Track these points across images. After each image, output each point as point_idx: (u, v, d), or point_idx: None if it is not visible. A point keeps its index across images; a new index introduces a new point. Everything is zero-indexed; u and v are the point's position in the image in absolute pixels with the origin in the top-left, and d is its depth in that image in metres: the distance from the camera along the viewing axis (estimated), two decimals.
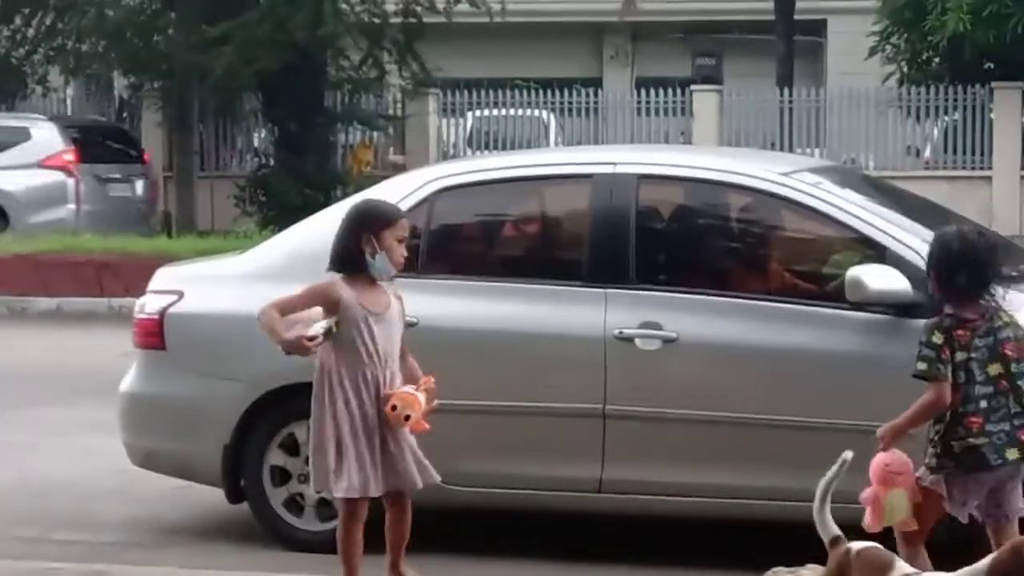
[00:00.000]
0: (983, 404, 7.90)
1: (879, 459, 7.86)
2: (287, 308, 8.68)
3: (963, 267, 8.01)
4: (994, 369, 7.89)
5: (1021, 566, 5.88)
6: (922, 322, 9.26)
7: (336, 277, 8.70)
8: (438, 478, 8.83)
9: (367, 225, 8.67)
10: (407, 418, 8.55)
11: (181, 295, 10.78)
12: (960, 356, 7.89)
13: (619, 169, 10.34)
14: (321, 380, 8.63)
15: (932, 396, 7.82)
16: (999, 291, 8.00)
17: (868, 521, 7.76)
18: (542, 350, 9.35)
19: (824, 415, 9.48)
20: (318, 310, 8.66)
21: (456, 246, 10.78)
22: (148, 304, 10.84)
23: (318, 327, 8.54)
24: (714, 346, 9.67)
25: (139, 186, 30.92)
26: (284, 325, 8.58)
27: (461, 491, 10.16)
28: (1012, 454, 7.87)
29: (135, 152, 31.76)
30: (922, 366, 7.91)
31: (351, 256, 8.67)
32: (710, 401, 9.63)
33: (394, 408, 8.51)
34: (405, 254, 8.72)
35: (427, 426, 8.66)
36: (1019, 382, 7.85)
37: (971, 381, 7.90)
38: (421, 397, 8.62)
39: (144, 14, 32.57)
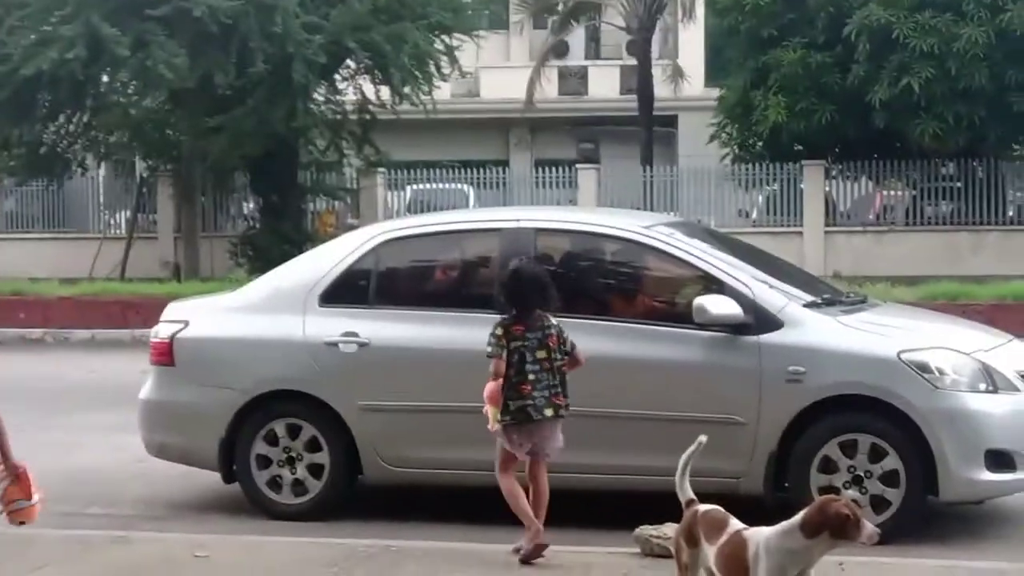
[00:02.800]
0: (531, 377, 8.56)
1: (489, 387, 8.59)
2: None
3: (522, 287, 8.67)
4: (541, 354, 8.58)
5: (826, 519, 5.87)
6: (751, 338, 9.38)
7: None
8: None
9: None
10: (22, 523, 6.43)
11: (187, 323, 10.71)
12: (515, 344, 8.55)
13: (521, 224, 10.32)
14: None
15: (494, 367, 8.56)
16: (551, 304, 8.72)
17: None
18: (465, 362, 9.28)
19: (679, 409, 9.49)
20: None
21: (397, 284, 10.72)
22: (161, 331, 10.77)
23: None
24: (596, 357, 9.62)
25: None
26: None
27: (407, 472, 10.12)
28: (548, 412, 8.56)
29: None
30: (488, 349, 8.60)
31: None
32: (597, 400, 9.58)
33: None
34: None
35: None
36: (554, 362, 8.58)
37: (523, 361, 8.55)
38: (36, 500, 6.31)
39: (159, 112, 32.51)
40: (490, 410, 8.58)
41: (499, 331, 8.63)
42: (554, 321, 8.72)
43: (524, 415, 8.58)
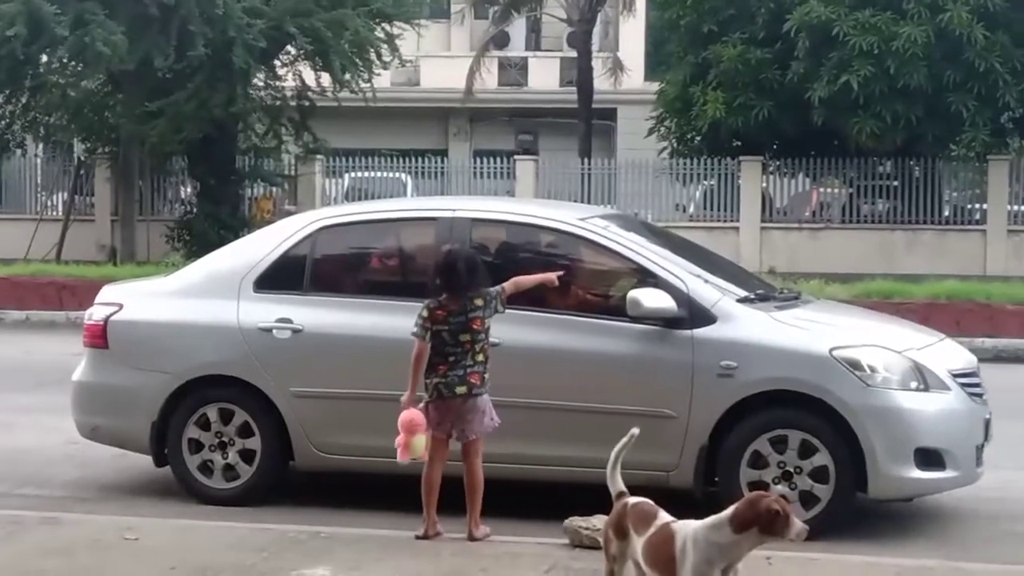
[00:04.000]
0: (451, 359, 8.70)
1: (404, 416, 8.74)
2: None
3: (450, 271, 8.74)
4: (464, 336, 8.71)
5: (755, 515, 5.90)
6: (685, 332, 9.41)
7: None
8: None
9: None
10: None
11: (121, 306, 10.67)
12: (438, 327, 8.69)
13: (457, 214, 10.30)
14: None
15: (416, 349, 8.73)
16: (485, 290, 8.80)
17: (400, 457, 8.79)
18: (398, 351, 9.25)
19: (611, 402, 9.50)
20: None
21: (333, 271, 10.67)
22: (95, 313, 10.72)
23: None
24: (531, 349, 9.65)
25: None
26: None
27: (339, 459, 10.11)
28: (461, 390, 8.69)
29: None
30: (414, 329, 8.76)
31: None
32: (530, 391, 9.61)
33: None
34: None
35: None
36: (476, 344, 8.71)
37: (444, 343, 8.70)
38: None
39: (98, 94, 32.39)
40: (403, 438, 8.74)
41: (424, 313, 8.76)
42: (479, 303, 8.76)
43: (436, 393, 8.73)
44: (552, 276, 9.25)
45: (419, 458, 8.79)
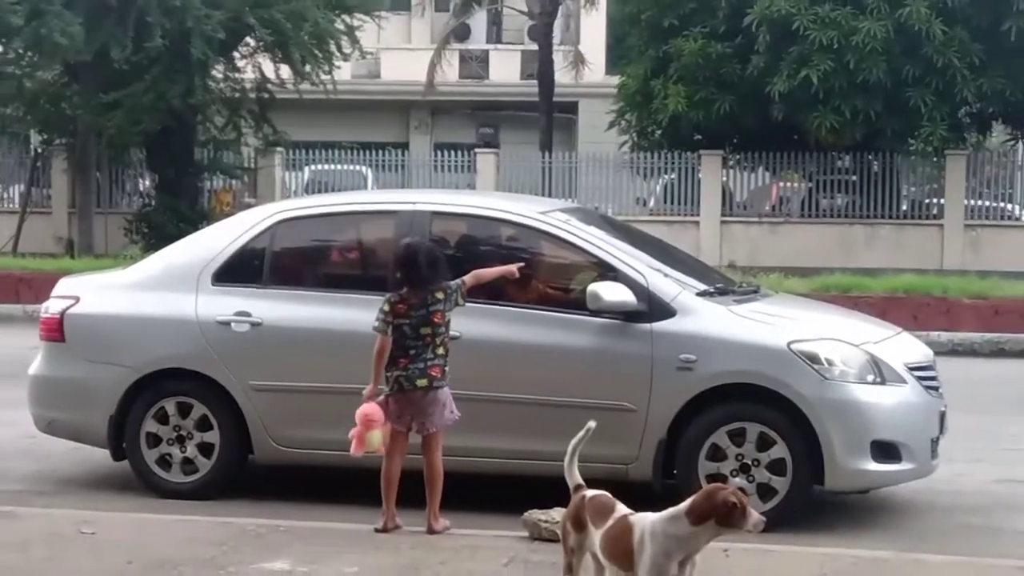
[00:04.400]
0: (412, 352, 8.72)
1: (362, 410, 8.76)
2: None
3: (411, 265, 8.76)
4: (425, 330, 8.73)
5: (713, 507, 5.93)
6: (644, 326, 9.44)
7: None
8: None
9: None
10: None
11: (78, 299, 10.63)
12: (399, 321, 8.71)
13: (417, 207, 10.31)
14: None
15: (378, 344, 8.74)
16: (446, 283, 8.84)
17: (353, 451, 8.78)
18: (357, 344, 9.26)
19: (570, 395, 9.53)
20: None
21: (292, 264, 10.66)
22: (51, 306, 10.69)
23: None
24: (491, 342, 9.68)
25: None
26: None
27: (298, 452, 10.11)
28: (422, 383, 8.71)
29: None
30: (375, 324, 8.76)
31: None
32: (490, 385, 9.64)
33: None
34: None
35: None
36: (437, 337, 8.73)
37: (405, 337, 8.71)
38: None
39: (55, 85, 32.26)
40: (359, 431, 8.77)
41: (386, 307, 8.77)
42: (440, 296, 8.78)
43: (397, 386, 8.75)
44: (513, 268, 9.28)
45: (374, 452, 8.80)
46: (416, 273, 8.74)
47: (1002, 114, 32.34)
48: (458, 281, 8.93)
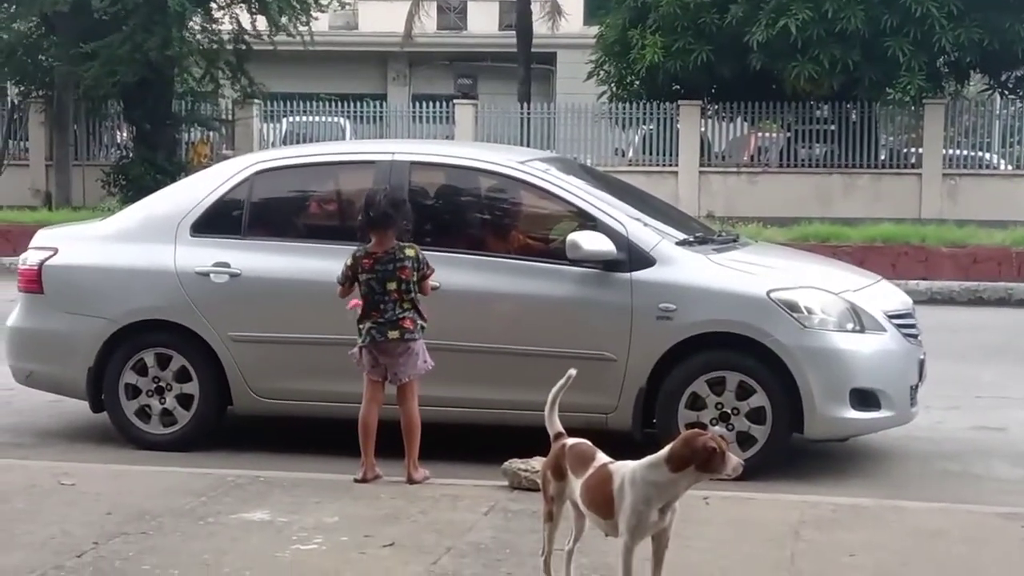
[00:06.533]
0: (381, 306, 8.75)
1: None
2: None
3: (378, 212, 8.76)
4: (391, 285, 8.74)
5: (692, 452, 5.90)
6: (624, 275, 9.42)
7: None
8: None
9: None
10: None
11: (56, 251, 10.59)
12: (365, 276, 8.77)
13: (396, 157, 10.26)
14: None
15: (339, 293, 8.95)
16: (417, 247, 8.88)
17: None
18: (335, 295, 9.21)
19: (551, 344, 9.50)
20: None
21: (270, 215, 10.61)
22: (29, 258, 10.65)
23: None
24: (470, 292, 9.64)
25: None
26: None
27: (277, 403, 10.10)
28: (393, 335, 8.74)
29: None
30: (338, 276, 8.91)
31: None
32: (470, 335, 9.62)
33: None
34: None
35: None
36: (405, 293, 8.75)
37: (373, 291, 8.75)
38: None
39: (31, 37, 32.11)
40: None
41: (349, 260, 8.85)
42: (411, 253, 8.78)
43: (370, 338, 8.76)
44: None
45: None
46: (378, 213, 8.73)
47: (980, 63, 32.28)
48: (427, 267, 8.93)
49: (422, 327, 8.83)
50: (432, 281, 8.97)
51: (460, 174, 10.44)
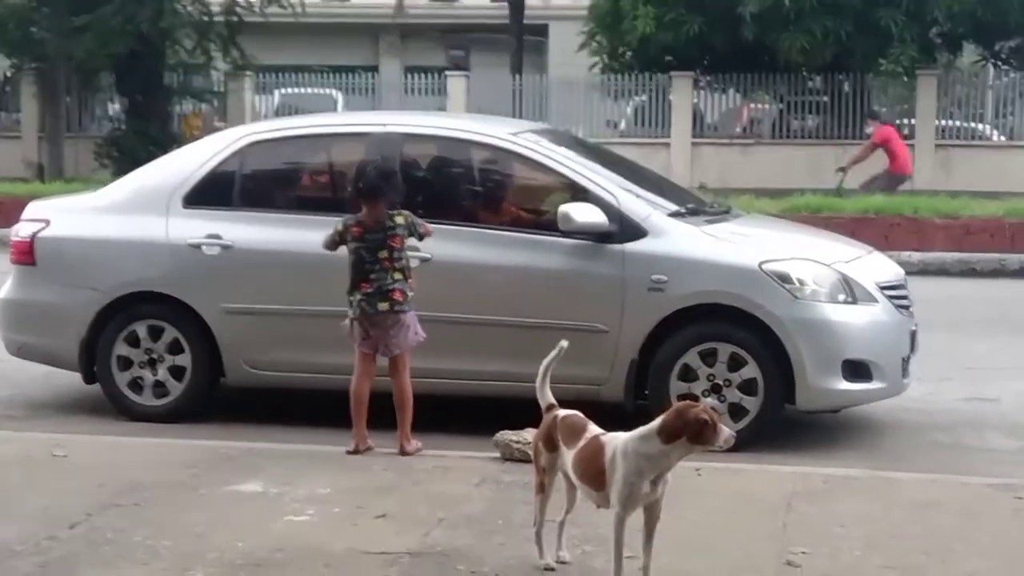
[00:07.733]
0: (372, 276, 8.71)
1: None
2: None
3: (362, 177, 8.76)
4: (383, 254, 8.71)
5: (683, 424, 5.90)
6: (616, 246, 9.41)
7: None
8: None
9: None
10: None
11: (48, 223, 10.57)
12: (354, 245, 8.74)
13: (388, 129, 10.26)
14: None
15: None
16: (408, 213, 8.82)
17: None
18: (327, 266, 9.22)
19: (543, 316, 9.50)
20: None
21: (262, 186, 10.59)
22: (22, 229, 10.63)
23: None
24: (462, 264, 9.64)
25: None
26: None
27: (269, 375, 10.09)
28: (383, 306, 8.71)
29: None
30: (324, 239, 8.94)
31: None
32: (461, 306, 9.62)
33: None
34: None
35: None
36: (396, 262, 8.72)
37: (362, 261, 8.72)
38: None
39: (23, 8, 32.02)
40: None
41: (340, 226, 8.83)
42: (400, 220, 8.75)
43: (360, 310, 8.74)
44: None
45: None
46: (368, 184, 8.70)
47: (972, 34, 32.24)
48: (422, 221, 8.90)
49: (409, 296, 8.82)
50: (423, 252, 8.96)
51: (452, 146, 10.42)
